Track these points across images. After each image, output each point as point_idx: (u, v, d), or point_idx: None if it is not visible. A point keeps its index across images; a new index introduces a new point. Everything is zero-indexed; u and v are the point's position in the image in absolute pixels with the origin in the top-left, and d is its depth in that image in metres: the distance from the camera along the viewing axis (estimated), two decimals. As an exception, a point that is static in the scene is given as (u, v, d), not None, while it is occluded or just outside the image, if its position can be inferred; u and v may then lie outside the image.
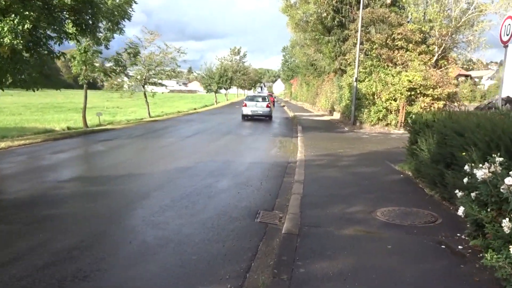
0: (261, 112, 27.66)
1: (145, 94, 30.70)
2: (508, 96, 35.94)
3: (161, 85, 31.72)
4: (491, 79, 68.06)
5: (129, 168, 9.86)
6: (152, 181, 8.58)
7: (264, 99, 29.20)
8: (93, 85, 28.48)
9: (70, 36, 14.37)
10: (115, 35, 21.11)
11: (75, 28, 13.96)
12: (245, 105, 28.11)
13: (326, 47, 29.70)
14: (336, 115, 30.17)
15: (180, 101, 64.38)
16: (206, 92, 63.64)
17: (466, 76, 61.47)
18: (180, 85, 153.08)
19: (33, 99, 53.26)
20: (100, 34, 20.13)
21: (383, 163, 11.01)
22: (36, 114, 31.36)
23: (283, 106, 62.77)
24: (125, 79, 29.55)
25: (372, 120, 21.43)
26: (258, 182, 8.52)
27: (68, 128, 21.37)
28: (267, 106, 27.87)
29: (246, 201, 7.00)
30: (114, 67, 21.15)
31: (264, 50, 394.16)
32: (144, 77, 30.04)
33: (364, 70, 23.13)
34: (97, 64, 20.45)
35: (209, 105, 56.00)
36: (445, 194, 6.75)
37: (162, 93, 34.53)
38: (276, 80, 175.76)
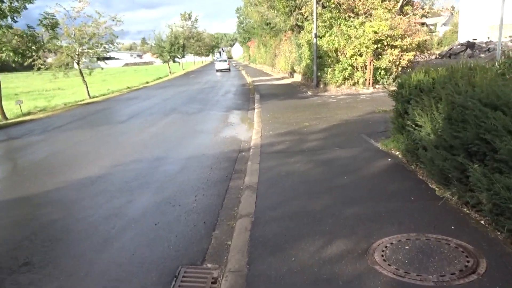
0: (224, 68, 53.25)
1: (80, 72, 26.82)
2: (468, 41, 34.04)
3: (100, 59, 27.94)
4: (445, 25, 66.99)
5: (7, 190, 6.97)
6: (20, 211, 5.77)
7: (225, 61, 57.57)
8: (29, 67, 24.29)
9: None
10: (27, 5, 17.38)
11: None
12: (216, 65, 54.72)
13: (280, 1, 26.63)
14: (297, 77, 27.59)
15: (133, 75, 59.71)
16: (163, 63, 59.13)
17: (422, 24, 59.83)
18: (134, 57, 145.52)
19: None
20: (4, 3, 16.35)
21: (360, 140, 8.58)
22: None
23: (239, 68, 59.65)
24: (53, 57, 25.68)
25: (337, 81, 18.96)
26: (191, 195, 5.86)
27: (-16, 121, 17.92)
28: (228, 64, 55.49)
29: (163, 244, 4.36)
30: (28, 45, 17.39)
31: (220, 14, 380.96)
32: (77, 53, 26.11)
33: (323, 24, 20.44)
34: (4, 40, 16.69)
35: (163, 76, 52.04)
36: (468, 198, 4.36)
37: (102, 69, 30.60)
38: (234, 44, 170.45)
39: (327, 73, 19.41)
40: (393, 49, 18.19)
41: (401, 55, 18.30)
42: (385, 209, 4.63)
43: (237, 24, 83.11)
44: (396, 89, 7.14)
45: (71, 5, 25.19)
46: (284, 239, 4.10)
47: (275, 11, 30.68)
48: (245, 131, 10.84)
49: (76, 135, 11.64)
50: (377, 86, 18.35)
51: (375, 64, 18.08)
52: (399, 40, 18.14)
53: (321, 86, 20.02)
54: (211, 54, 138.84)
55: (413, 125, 5.91)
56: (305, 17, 24.69)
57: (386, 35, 17.85)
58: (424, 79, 5.98)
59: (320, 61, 20.18)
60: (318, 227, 4.28)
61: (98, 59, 29.14)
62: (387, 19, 18.23)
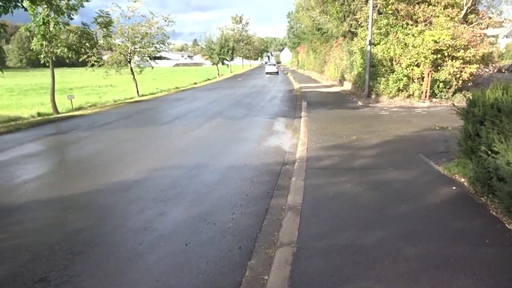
0: (273, 71, 57.40)
1: (131, 70, 27.35)
2: None
3: (151, 59, 28.33)
4: (506, 37, 63.05)
5: (41, 190, 6.79)
6: (51, 217, 5.50)
7: (274, 65, 62.23)
8: (84, 63, 25.15)
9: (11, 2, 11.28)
10: (84, 3, 17.80)
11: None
12: (265, 68, 60.16)
13: (333, 6, 25.82)
14: (347, 85, 26.62)
15: (182, 76, 60.85)
16: (212, 65, 59.70)
17: (482, 35, 56.39)
18: (185, 58, 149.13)
19: (25, 80, 50.37)
20: (62, 1, 16.80)
21: (417, 160, 7.74)
22: (15, 98, 28.40)
23: (287, 74, 59.04)
24: (108, 54, 26.32)
25: (390, 92, 17.92)
26: (228, 212, 5.35)
27: (39, 114, 18.51)
28: (276, 68, 59.72)
29: (191, 272, 3.86)
30: (81, 41, 17.76)
31: (271, 18, 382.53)
32: (129, 52, 26.66)
33: (378, 31, 19.47)
34: (62, 37, 17.12)
35: (211, 78, 52.53)
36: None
37: (152, 68, 31.09)
38: (283, 48, 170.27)
39: (380, 83, 18.42)
40: (454, 61, 16.95)
41: (463, 68, 17.01)
42: (453, 252, 3.89)
43: (287, 29, 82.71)
44: (466, 106, 6.28)
45: (127, 4, 25.40)
46: (331, 280, 3.48)
47: (328, 16, 29.87)
48: (290, 141, 10.25)
49: (119, 134, 11.54)
50: (434, 99, 17.15)
51: (433, 76, 16.91)
52: (462, 51, 16.87)
53: (373, 96, 19.03)
54: (259, 58, 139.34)
55: (488, 151, 5.08)
56: (359, 23, 23.74)
57: (447, 45, 16.66)
58: (503, 98, 5.14)
59: (373, 70, 19.22)
60: (372, 271, 3.62)
61: (150, 58, 29.55)
62: (449, 28, 17.01)
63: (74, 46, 17.15)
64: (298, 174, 6.98)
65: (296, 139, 10.44)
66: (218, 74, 57.24)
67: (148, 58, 29.81)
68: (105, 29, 19.71)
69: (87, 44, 18.68)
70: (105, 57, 25.62)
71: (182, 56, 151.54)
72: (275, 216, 5.19)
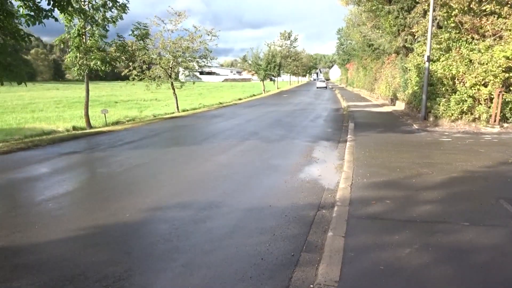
0: (323, 86, 70.81)
1: (172, 85, 26.65)
2: None
3: (192, 73, 27.57)
4: None
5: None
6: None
7: (323, 81, 79.96)
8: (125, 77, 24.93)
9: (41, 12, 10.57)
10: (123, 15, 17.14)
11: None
12: (316, 84, 75.60)
13: (386, 20, 23.83)
14: (400, 105, 24.34)
15: (228, 91, 60.46)
16: (260, 81, 58.89)
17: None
18: (234, 73, 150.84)
19: (77, 92, 51.84)
20: (98, 11, 16.18)
21: (500, 210, 5.77)
22: (60, 110, 28.63)
23: (334, 90, 56.90)
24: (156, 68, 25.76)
25: (452, 114, 15.64)
26: (230, 290, 3.73)
27: (74, 128, 18.05)
28: (325, 84, 76.30)
29: None
30: (116, 54, 17.05)
31: (321, 36, 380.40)
32: (171, 66, 26.00)
33: (438, 46, 17.30)
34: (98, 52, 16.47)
35: (256, 94, 51.59)
36: None
37: (194, 83, 30.35)
38: (332, 66, 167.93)
39: (439, 104, 16.17)
40: (530, 80, 14.48)
41: (541, 88, 14.49)
42: None
43: (337, 45, 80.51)
44: None
45: (169, 18, 24.79)
46: None
47: (380, 31, 27.84)
48: (331, 173, 8.49)
49: (136, 156, 10.25)
50: (505, 125, 14.70)
51: (504, 97, 14.50)
52: (540, 69, 14.38)
53: (431, 119, 16.78)
54: (308, 74, 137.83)
55: None
56: (415, 37, 21.61)
57: (522, 62, 14.26)
58: None
59: (431, 89, 17.01)
60: None
61: (190, 72, 28.93)
62: (524, 43, 14.63)
63: (108, 59, 16.41)
64: (336, 225, 5.24)
65: (338, 170, 8.66)
66: (264, 90, 56.24)
67: (188, 73, 29.19)
68: (141, 42, 18.96)
69: (122, 57, 17.99)
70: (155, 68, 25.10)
71: (231, 72, 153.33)
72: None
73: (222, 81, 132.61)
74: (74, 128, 18.06)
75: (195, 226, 5.34)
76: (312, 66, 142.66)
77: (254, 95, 50.00)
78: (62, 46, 16.41)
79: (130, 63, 24.27)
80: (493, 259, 4.26)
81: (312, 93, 51.44)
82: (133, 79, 24.78)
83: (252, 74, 67.72)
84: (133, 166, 9.17)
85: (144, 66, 25.02)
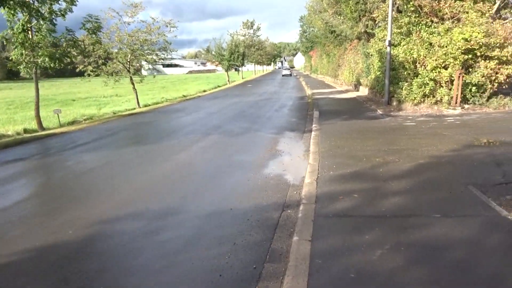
0: (288, 73, 72.56)
1: (131, 80, 25.58)
2: None
3: (152, 66, 26.61)
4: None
5: None
6: None
7: (288, 69, 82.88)
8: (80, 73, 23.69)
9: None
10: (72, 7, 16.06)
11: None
12: (282, 72, 75.87)
13: (347, 5, 23.67)
14: (363, 91, 24.36)
15: (193, 83, 59.12)
16: (225, 71, 57.76)
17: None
18: (198, 65, 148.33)
19: (21, 92, 49.21)
20: (44, 4, 15.04)
21: (471, 198, 5.55)
22: (11, 112, 26.93)
23: (299, 78, 56.84)
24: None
25: (415, 98, 15.63)
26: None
27: (25, 130, 16.84)
28: (290, 71, 77.09)
29: None
30: (66, 49, 15.97)
31: (285, 24, 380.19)
32: (128, 60, 24.90)
33: (399, 31, 17.26)
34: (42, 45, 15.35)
35: (221, 85, 50.72)
36: None
37: (154, 76, 29.27)
38: (296, 53, 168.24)
39: (402, 88, 16.14)
40: (488, 61, 14.60)
41: (499, 68, 14.63)
42: None
43: (299, 33, 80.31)
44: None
45: (125, 10, 23.68)
46: None
47: (341, 17, 27.73)
48: (296, 166, 8.11)
49: (88, 160, 9.52)
50: (466, 106, 14.81)
51: (464, 79, 14.57)
52: (497, 49, 14.52)
53: (394, 103, 16.75)
54: (272, 63, 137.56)
55: None
56: (376, 22, 21.57)
57: (480, 44, 14.34)
58: None
59: (394, 73, 16.98)
60: None
61: (162, 65, 27.95)
62: (481, 24, 14.69)
63: (57, 55, 15.33)
64: (302, 228, 4.84)
65: (303, 163, 8.30)
66: (229, 80, 55.44)
67: (151, 66, 28.20)
68: (94, 35, 17.88)
69: (73, 53, 16.91)
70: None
71: (196, 63, 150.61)
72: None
73: (187, 73, 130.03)
74: (26, 131, 16.87)
75: (146, 240, 4.80)
76: (277, 55, 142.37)
77: (219, 86, 49.17)
78: (5, 44, 15.16)
79: (86, 59, 23.13)
80: (468, 255, 3.97)
81: (277, 82, 51.14)
82: (89, 75, 23.58)
83: (216, 65, 66.76)
84: (84, 171, 8.47)
85: (100, 61, 23.85)
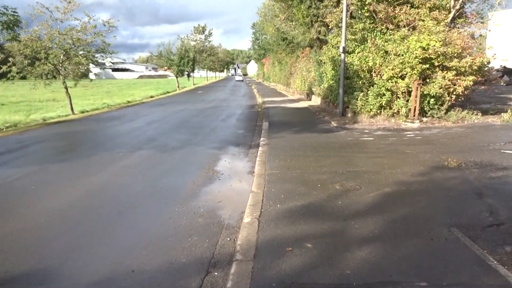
0: (240, 79, 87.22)
1: (64, 83, 22.90)
2: (504, 66, 28.97)
3: (83, 70, 24.07)
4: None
5: None
6: None
7: (240, 76, 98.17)
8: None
9: None
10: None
11: None
12: (235, 78, 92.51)
13: (299, 10, 22.52)
14: (316, 100, 23.28)
15: (141, 88, 55.95)
16: (175, 77, 55.11)
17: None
18: (149, 70, 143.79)
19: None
20: None
21: (460, 249, 4.16)
22: None
23: (251, 86, 55.62)
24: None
25: (371, 109, 14.55)
26: None
27: None
28: (242, 78, 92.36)
29: None
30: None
31: (239, 31, 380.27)
32: (61, 61, 22.21)
33: (353, 37, 16.21)
34: None
35: (171, 91, 48.24)
36: None
37: (91, 80, 26.68)
38: (250, 61, 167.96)
39: (357, 99, 15.01)
40: (446, 72, 13.79)
41: (457, 79, 13.87)
42: None
43: (252, 40, 79.18)
44: None
45: (57, 5, 21.10)
46: None
47: (293, 23, 26.63)
48: (235, 195, 6.46)
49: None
50: (424, 119, 13.88)
51: (422, 90, 13.65)
52: (455, 60, 13.76)
53: (349, 114, 15.60)
54: (225, 70, 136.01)
55: None
56: (329, 28, 20.58)
57: (438, 53, 13.49)
58: None
59: (348, 82, 15.87)
60: None
61: (111, 69, 25.40)
62: (438, 32, 13.90)
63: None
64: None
65: (245, 190, 6.65)
66: (178, 86, 53.06)
67: (99, 70, 25.62)
68: (10, 31, 15.31)
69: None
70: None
71: (147, 68, 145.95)
72: None
73: (137, 78, 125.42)
74: None
75: None
76: (230, 62, 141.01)
77: (168, 92, 46.76)
78: None
79: (10, 58, 20.33)
80: None
81: (228, 89, 49.57)
82: (13, 77, 20.70)
83: (165, 70, 64.10)
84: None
85: (26, 62, 21.08)
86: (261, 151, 9.78)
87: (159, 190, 6.82)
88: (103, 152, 10.23)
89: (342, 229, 4.77)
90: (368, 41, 15.49)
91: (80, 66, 23.51)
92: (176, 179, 7.57)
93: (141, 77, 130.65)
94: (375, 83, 14.52)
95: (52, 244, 4.67)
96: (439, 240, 4.41)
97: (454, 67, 13.75)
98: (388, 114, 14.32)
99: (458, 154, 8.75)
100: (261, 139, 11.55)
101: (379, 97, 14.28)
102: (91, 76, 24.32)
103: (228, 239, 4.71)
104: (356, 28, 15.96)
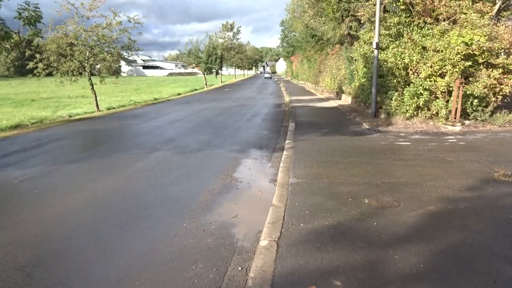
0: (268, 76, 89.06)
1: (90, 80, 22.76)
2: None
3: (112, 67, 23.89)
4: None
5: None
6: None
7: (268, 73, 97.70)
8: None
9: None
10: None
11: None
12: (264, 75, 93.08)
13: (329, 4, 21.46)
14: (346, 99, 22.20)
15: (169, 86, 56.05)
16: (203, 74, 54.82)
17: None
18: (179, 67, 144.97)
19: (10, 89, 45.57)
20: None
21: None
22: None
23: (279, 83, 54.66)
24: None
25: (407, 110, 13.45)
26: None
27: None
28: (271, 75, 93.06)
29: None
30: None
31: (269, 29, 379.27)
32: (87, 58, 22.05)
33: (387, 32, 15.10)
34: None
35: (199, 88, 47.99)
36: None
37: (117, 77, 26.52)
38: (278, 59, 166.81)
39: (391, 99, 13.92)
40: (491, 69, 12.55)
41: (503, 78, 12.61)
42: None
43: (281, 38, 78.19)
44: None
45: (82, 2, 20.90)
46: None
47: (322, 19, 25.58)
48: (253, 209, 5.69)
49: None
50: (466, 122, 12.69)
51: (465, 90, 12.47)
52: (502, 56, 12.49)
53: (382, 116, 14.52)
54: (254, 68, 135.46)
55: None
56: (361, 23, 19.46)
57: (482, 49, 12.27)
58: None
59: (381, 81, 14.78)
60: None
61: (142, 66, 25.17)
62: (483, 26, 12.66)
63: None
64: None
65: (265, 202, 5.86)
66: (206, 84, 52.76)
67: (130, 67, 25.44)
68: (32, 27, 15.04)
69: (6, 46, 14.09)
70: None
71: (176, 66, 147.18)
72: None
73: (167, 75, 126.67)
74: None
75: None
76: (258, 59, 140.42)
77: (195, 89, 46.55)
78: None
79: (37, 55, 20.32)
80: None
81: (256, 87, 48.82)
82: (39, 73, 20.68)
83: (193, 67, 63.99)
84: None
85: (52, 58, 21.04)
86: (286, 155, 8.97)
87: (169, 199, 6.11)
88: (119, 152, 9.66)
89: (379, 261, 3.91)
90: (404, 36, 14.38)
91: (105, 63, 23.29)
92: (190, 186, 6.85)
93: (170, 74, 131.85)
94: (412, 82, 13.42)
95: (26, 268, 4.02)
96: (505, 283, 3.48)
97: (500, 65, 12.53)
98: (425, 116, 13.20)
99: (511, 164, 7.67)
100: (287, 141, 10.73)
101: (415, 97, 13.17)
102: (123, 73, 24.12)
103: (240, 268, 3.94)
104: (390, 22, 14.86)
